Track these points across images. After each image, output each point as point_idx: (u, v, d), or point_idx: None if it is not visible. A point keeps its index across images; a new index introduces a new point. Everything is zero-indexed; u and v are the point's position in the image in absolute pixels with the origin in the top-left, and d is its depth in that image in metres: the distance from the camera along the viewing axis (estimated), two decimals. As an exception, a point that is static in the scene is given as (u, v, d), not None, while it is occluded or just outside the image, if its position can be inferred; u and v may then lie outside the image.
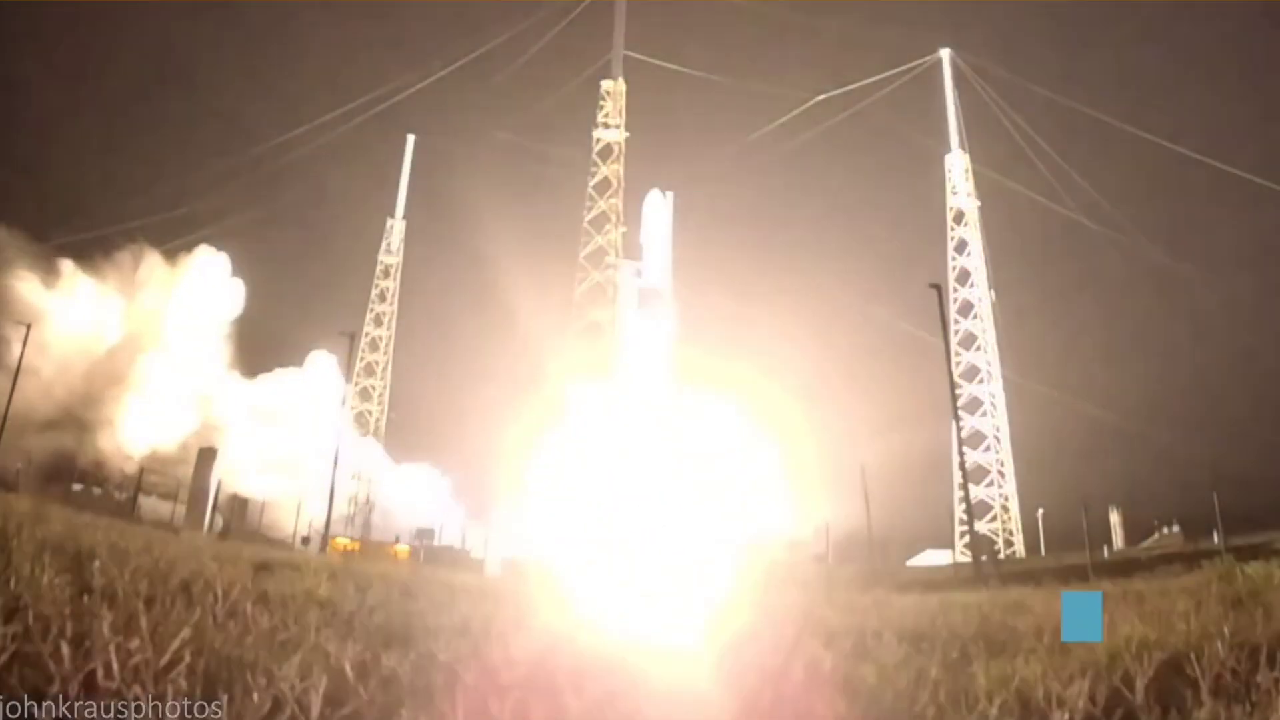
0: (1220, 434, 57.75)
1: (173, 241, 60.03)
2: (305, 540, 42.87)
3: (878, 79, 61.84)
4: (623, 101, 63.68)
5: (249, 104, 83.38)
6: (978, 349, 58.06)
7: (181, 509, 41.76)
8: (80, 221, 59.38)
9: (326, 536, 42.20)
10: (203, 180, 67.17)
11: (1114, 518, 50.49)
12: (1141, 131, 59.17)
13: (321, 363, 58.24)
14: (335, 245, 71.56)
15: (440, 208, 67.73)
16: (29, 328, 44.85)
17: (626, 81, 64.01)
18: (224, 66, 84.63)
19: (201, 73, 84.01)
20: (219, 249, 59.61)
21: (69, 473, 45.13)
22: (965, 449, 48.29)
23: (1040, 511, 52.16)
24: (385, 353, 65.08)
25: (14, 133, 66.67)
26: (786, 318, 57.16)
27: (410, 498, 55.82)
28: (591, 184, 62.34)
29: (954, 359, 53.98)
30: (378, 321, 65.04)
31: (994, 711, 6.61)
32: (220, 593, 8.76)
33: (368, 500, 56.85)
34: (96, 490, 44.51)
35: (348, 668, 6.35)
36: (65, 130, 72.06)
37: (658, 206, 45.27)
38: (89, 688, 5.52)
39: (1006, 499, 56.93)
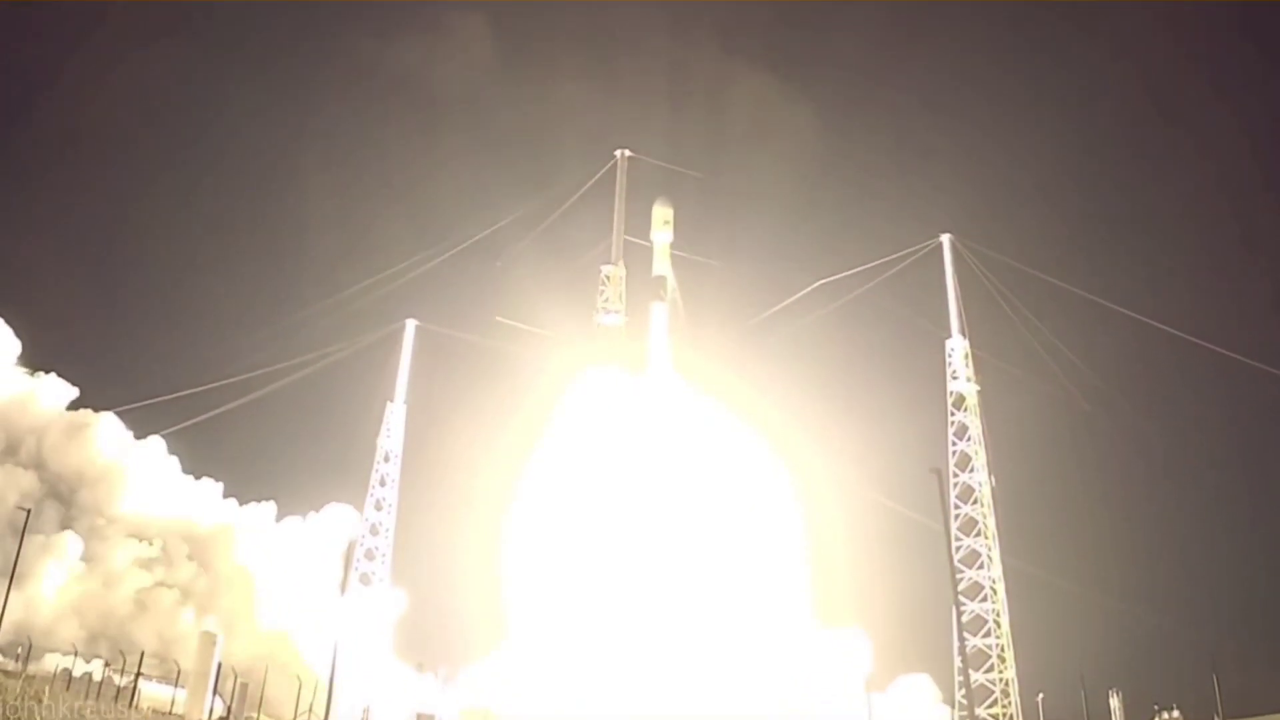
0: (1219, 616, 57.75)
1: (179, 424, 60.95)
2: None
3: (878, 263, 63.15)
4: (622, 286, 64.47)
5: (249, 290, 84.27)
6: (978, 534, 58.08)
7: (182, 693, 41.45)
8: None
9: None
10: (206, 364, 67.64)
11: (1114, 702, 50.25)
12: (1143, 317, 60.43)
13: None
14: (334, 429, 71.71)
15: (441, 392, 68.11)
16: (28, 512, 45.48)
17: (626, 265, 64.88)
18: (230, 250, 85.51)
19: (208, 252, 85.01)
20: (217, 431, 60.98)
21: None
22: (966, 634, 48.12)
23: (1040, 696, 51.69)
24: (386, 537, 64.86)
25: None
26: (784, 500, 57.34)
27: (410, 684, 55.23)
28: (592, 368, 62.81)
29: (954, 544, 54.04)
30: (378, 506, 64.99)
31: None
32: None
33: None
34: (97, 678, 44.17)
35: None
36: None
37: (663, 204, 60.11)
38: None
39: (1007, 684, 56.41)
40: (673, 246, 61.84)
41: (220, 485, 61.66)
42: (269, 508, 61.70)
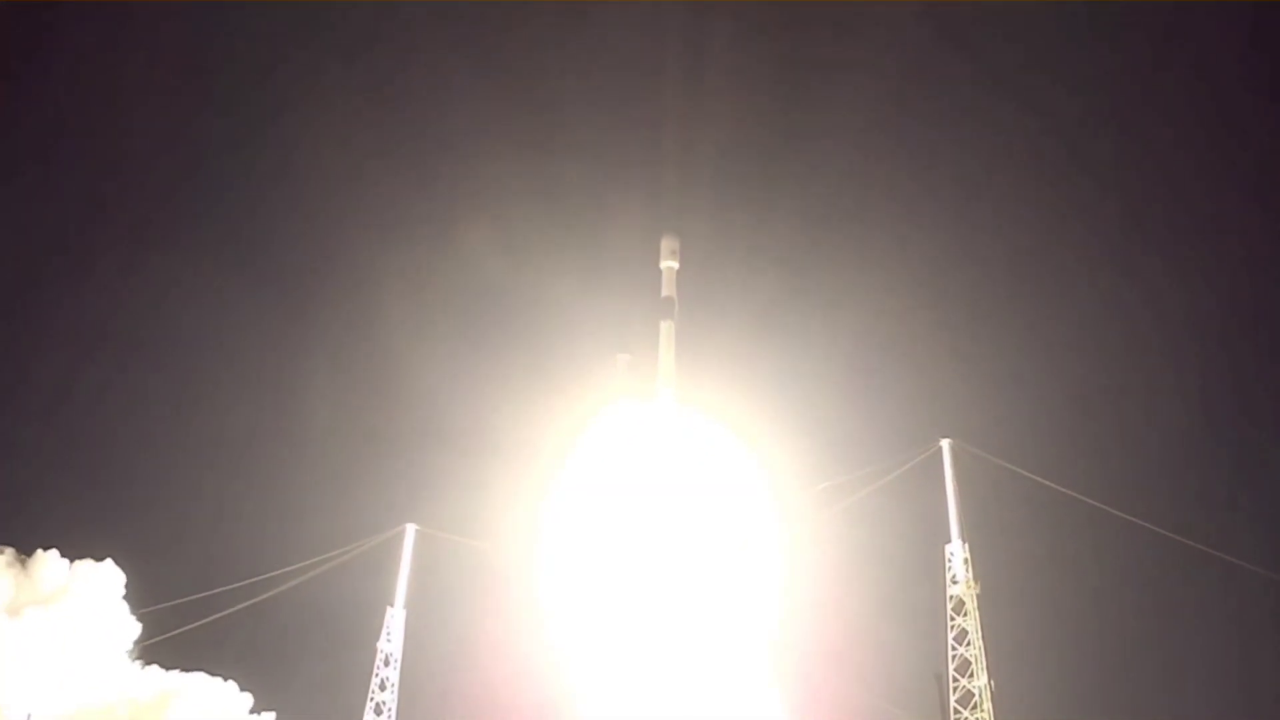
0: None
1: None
2: None
3: (876, 468, 63.94)
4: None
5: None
6: (979, 739, 57.56)
7: None
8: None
9: None
10: (205, 570, 67.86)
11: None
12: (1148, 524, 60.78)
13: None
14: (333, 634, 71.53)
15: (442, 597, 68.18)
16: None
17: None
18: (229, 456, 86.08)
19: (204, 457, 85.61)
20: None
21: None
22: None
23: None
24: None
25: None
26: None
27: None
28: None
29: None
30: (378, 711, 64.46)
31: None
32: None
33: None
34: None
35: None
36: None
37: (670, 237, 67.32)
38: None
39: None
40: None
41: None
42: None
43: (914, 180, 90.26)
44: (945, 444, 64.07)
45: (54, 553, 59.26)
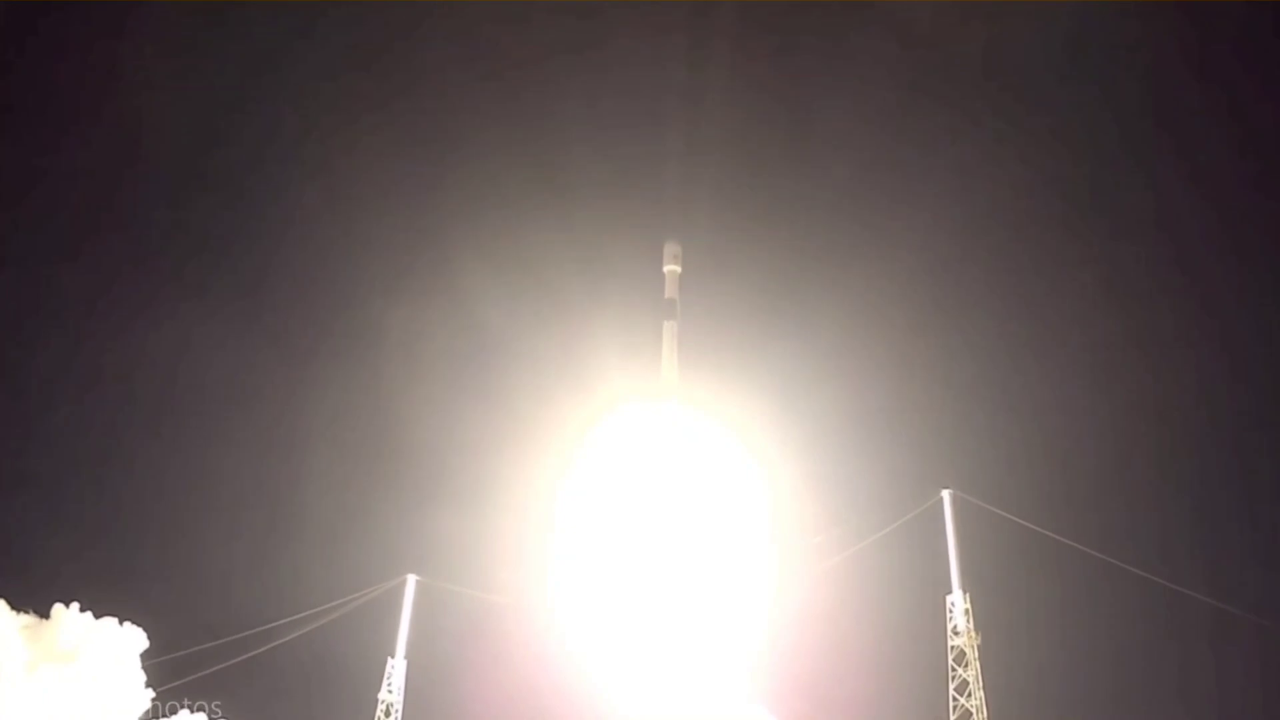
0: None
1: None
2: None
3: (877, 519, 64.16)
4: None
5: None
6: (981, 791, 57.35)
7: None
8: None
9: None
10: (205, 622, 67.82)
11: None
12: (1156, 577, 60.72)
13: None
14: (334, 686, 71.41)
15: (443, 647, 68.17)
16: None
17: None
18: (229, 509, 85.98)
19: (204, 510, 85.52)
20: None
21: None
22: None
23: None
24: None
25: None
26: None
27: None
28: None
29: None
30: (379, 762, 64.56)
31: None
32: None
33: None
34: None
35: None
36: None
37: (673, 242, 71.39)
38: None
39: None
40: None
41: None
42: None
43: (913, 206, 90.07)
44: (946, 494, 64.11)
45: (75, 608, 58.97)
